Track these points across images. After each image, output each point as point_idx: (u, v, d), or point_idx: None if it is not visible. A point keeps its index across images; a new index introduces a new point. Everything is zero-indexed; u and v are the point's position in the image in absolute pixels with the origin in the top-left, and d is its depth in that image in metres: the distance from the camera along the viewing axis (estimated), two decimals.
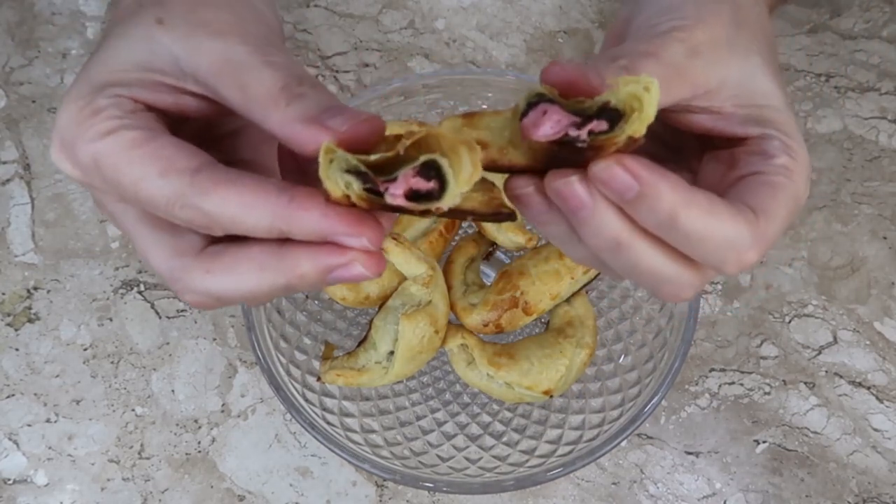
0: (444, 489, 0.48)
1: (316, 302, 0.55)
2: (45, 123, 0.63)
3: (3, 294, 0.59)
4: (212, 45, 0.29)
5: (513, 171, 0.28)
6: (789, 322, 0.58)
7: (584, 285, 0.52)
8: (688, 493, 0.55)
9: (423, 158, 0.24)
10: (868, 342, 0.57)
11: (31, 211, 0.61)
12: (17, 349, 0.58)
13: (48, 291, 0.59)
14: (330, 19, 0.66)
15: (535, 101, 0.26)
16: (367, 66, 0.65)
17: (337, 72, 0.65)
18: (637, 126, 0.25)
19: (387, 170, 0.25)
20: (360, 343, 0.50)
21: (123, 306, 0.59)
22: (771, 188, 0.30)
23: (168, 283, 0.30)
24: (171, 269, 0.29)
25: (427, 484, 0.48)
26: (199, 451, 0.55)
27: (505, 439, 0.53)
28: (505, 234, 0.53)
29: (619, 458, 0.55)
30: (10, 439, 0.55)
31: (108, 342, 0.58)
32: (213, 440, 0.56)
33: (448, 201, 0.25)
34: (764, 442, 0.56)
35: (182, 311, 0.59)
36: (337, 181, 0.25)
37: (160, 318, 0.58)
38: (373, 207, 0.26)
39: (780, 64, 0.64)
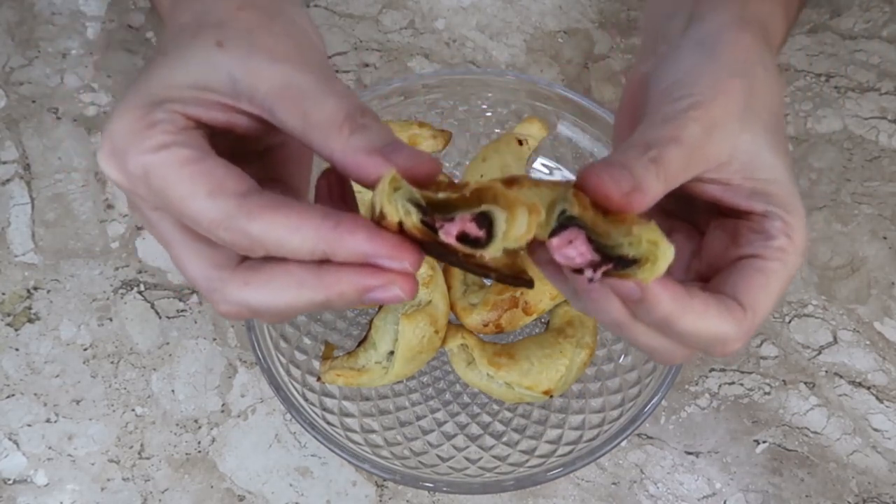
0: (444, 489, 0.48)
1: None
2: (44, 123, 0.63)
3: (3, 294, 0.59)
4: (272, 69, 0.30)
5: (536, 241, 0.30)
6: (789, 322, 0.58)
7: None
8: (688, 493, 0.55)
9: (484, 207, 0.27)
10: (868, 342, 0.57)
11: (31, 211, 0.61)
12: (17, 349, 0.58)
13: (48, 291, 0.59)
14: (330, 19, 0.66)
15: (566, 224, 0.28)
16: (367, 66, 0.65)
17: (337, 72, 0.65)
18: (647, 275, 0.27)
19: (441, 208, 0.27)
20: (360, 343, 0.50)
21: (123, 306, 0.59)
22: (765, 277, 0.32)
23: (204, 293, 0.31)
24: (208, 280, 0.30)
25: (427, 484, 0.48)
26: (199, 451, 0.55)
27: (505, 439, 0.53)
28: None
29: (619, 458, 0.55)
30: (10, 439, 0.55)
31: (108, 342, 0.58)
32: (213, 440, 0.56)
33: (491, 252, 0.27)
34: (764, 442, 0.56)
35: (182, 311, 0.59)
36: (398, 208, 0.27)
37: (160, 318, 0.58)
38: (421, 239, 0.27)
39: (780, 64, 0.64)
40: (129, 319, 0.58)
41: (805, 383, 0.57)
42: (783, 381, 0.57)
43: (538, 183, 0.29)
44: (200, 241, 0.30)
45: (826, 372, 0.57)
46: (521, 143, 0.54)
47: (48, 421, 0.56)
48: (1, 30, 0.65)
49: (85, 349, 0.58)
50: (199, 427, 0.56)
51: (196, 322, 0.58)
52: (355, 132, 0.29)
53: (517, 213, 0.27)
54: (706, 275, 0.35)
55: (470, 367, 0.51)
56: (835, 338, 0.58)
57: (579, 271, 0.28)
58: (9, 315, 0.58)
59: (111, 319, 0.58)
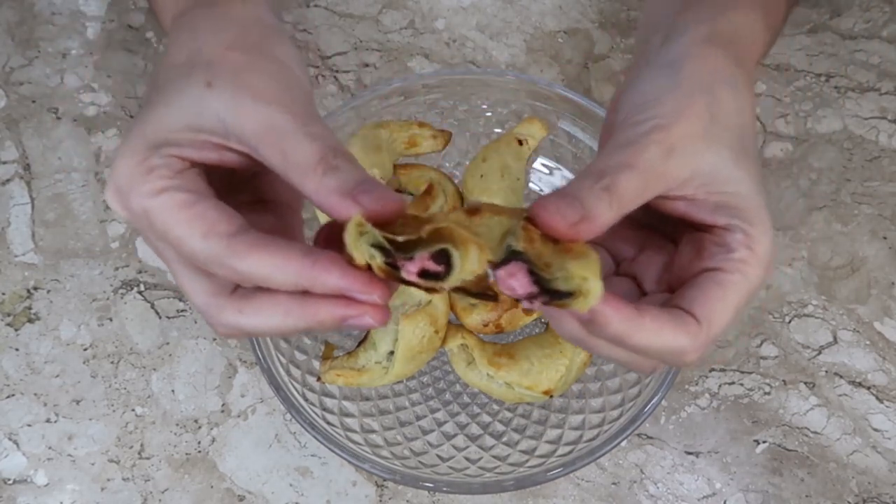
0: (444, 489, 0.48)
1: None
2: (45, 123, 0.63)
3: (3, 294, 0.59)
4: (256, 109, 0.33)
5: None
6: (789, 322, 0.58)
7: None
8: (688, 493, 0.55)
9: (439, 247, 0.29)
10: (868, 342, 0.57)
11: (31, 211, 0.61)
12: (17, 349, 0.58)
13: (48, 291, 0.59)
14: (330, 19, 0.66)
15: (511, 258, 0.30)
16: (367, 66, 0.65)
17: (337, 72, 0.65)
18: (581, 306, 0.29)
19: (403, 247, 0.30)
20: (360, 343, 0.50)
21: (123, 306, 0.59)
22: (722, 289, 0.33)
23: (203, 316, 0.34)
24: (207, 306, 0.33)
25: (427, 484, 0.48)
26: (199, 451, 0.55)
27: (505, 439, 0.53)
28: None
29: (619, 458, 0.55)
30: (10, 439, 0.55)
31: (108, 342, 0.58)
32: (213, 440, 0.56)
33: (451, 283, 0.30)
34: (764, 442, 0.56)
35: (182, 311, 0.59)
36: (363, 252, 0.30)
37: (160, 318, 0.58)
38: (387, 277, 0.30)
39: (780, 64, 0.64)
40: (129, 319, 0.58)
41: (805, 383, 0.57)
42: (783, 381, 0.57)
43: (500, 210, 0.32)
44: (198, 271, 0.33)
45: (826, 372, 0.57)
46: (521, 143, 0.54)
47: (48, 421, 0.56)
48: (1, 30, 0.65)
49: (85, 349, 0.58)
50: (199, 427, 0.56)
51: (196, 322, 0.58)
52: (328, 173, 0.31)
53: (469, 250, 0.30)
54: (675, 287, 0.36)
55: (470, 367, 0.51)
56: (835, 338, 0.58)
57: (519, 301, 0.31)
58: (9, 315, 0.58)
59: (111, 319, 0.58)
